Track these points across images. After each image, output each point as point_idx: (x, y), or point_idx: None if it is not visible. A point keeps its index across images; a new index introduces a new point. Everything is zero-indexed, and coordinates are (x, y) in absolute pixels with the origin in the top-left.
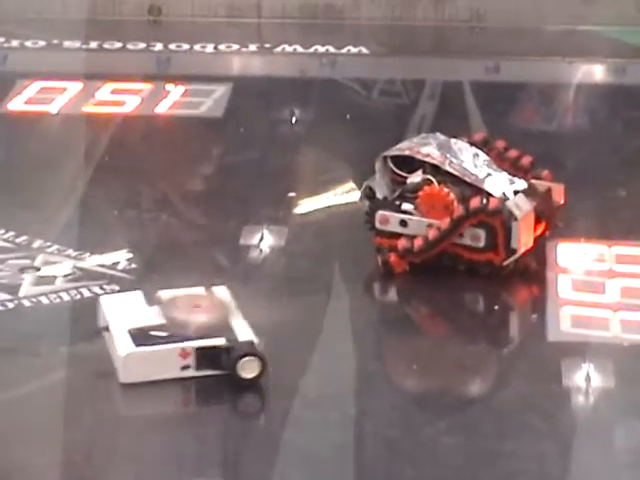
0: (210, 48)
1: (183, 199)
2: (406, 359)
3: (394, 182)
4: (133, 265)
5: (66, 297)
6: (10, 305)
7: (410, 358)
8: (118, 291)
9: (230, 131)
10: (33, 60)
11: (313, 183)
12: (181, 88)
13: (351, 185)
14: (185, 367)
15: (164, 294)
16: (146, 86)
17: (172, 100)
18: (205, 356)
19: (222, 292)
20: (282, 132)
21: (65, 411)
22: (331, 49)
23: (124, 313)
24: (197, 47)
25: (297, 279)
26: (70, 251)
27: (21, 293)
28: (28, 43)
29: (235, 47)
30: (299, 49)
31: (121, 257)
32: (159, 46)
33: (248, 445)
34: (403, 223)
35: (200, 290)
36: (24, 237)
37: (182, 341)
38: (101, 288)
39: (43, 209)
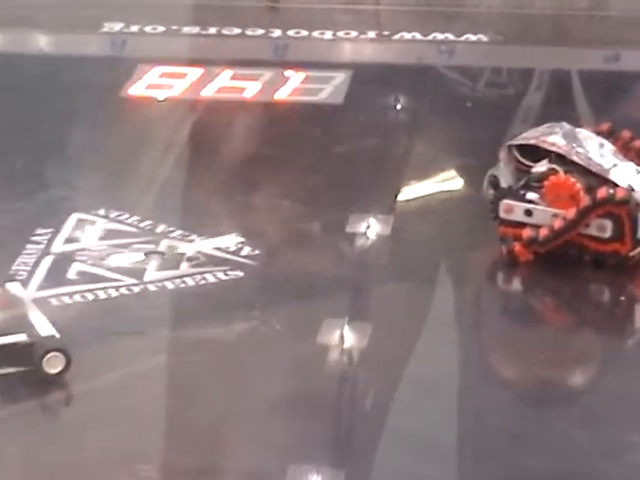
0: (329, 35)
1: (303, 186)
2: (530, 350)
3: (519, 171)
4: (256, 251)
5: (190, 282)
6: (136, 289)
7: (534, 349)
8: (242, 277)
9: (350, 118)
10: (152, 46)
11: (432, 171)
12: (301, 75)
13: (468, 174)
14: None
15: None
16: (265, 72)
17: (292, 87)
18: (7, 353)
19: (16, 288)
20: (400, 119)
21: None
22: (450, 37)
23: None
24: (315, 34)
25: (419, 268)
26: (194, 236)
27: (146, 278)
28: (147, 29)
29: (353, 34)
30: (417, 36)
31: (244, 243)
32: (277, 32)
33: None
34: (528, 212)
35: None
36: (148, 222)
37: None
38: (225, 274)
39: (166, 194)
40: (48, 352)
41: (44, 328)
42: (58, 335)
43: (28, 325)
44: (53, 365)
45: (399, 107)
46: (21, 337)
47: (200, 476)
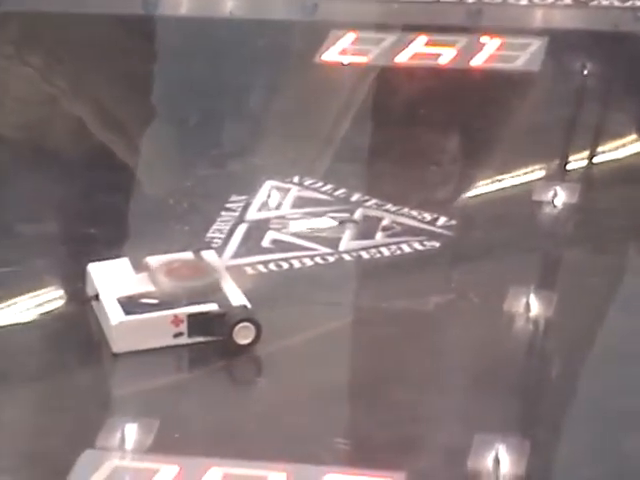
0: (524, 0)
1: (494, 155)
2: None
3: None
4: (452, 222)
5: (386, 252)
6: (330, 259)
7: None
8: (438, 248)
9: (545, 86)
10: (344, 10)
11: (624, 140)
12: (497, 41)
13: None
14: (178, 334)
15: (152, 260)
16: (460, 38)
17: (487, 53)
18: (197, 323)
19: (211, 256)
20: (594, 87)
21: None
22: None
23: (112, 281)
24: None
25: (606, 238)
26: (389, 205)
27: (341, 247)
28: None
29: (549, 0)
30: (615, 2)
31: (440, 213)
32: None
33: None
34: None
35: (188, 255)
36: (342, 190)
37: (173, 308)
38: (421, 244)
39: (361, 163)
40: (239, 323)
41: (236, 298)
42: (249, 305)
43: (221, 294)
44: (244, 336)
45: (594, 75)
46: (212, 306)
47: (398, 450)
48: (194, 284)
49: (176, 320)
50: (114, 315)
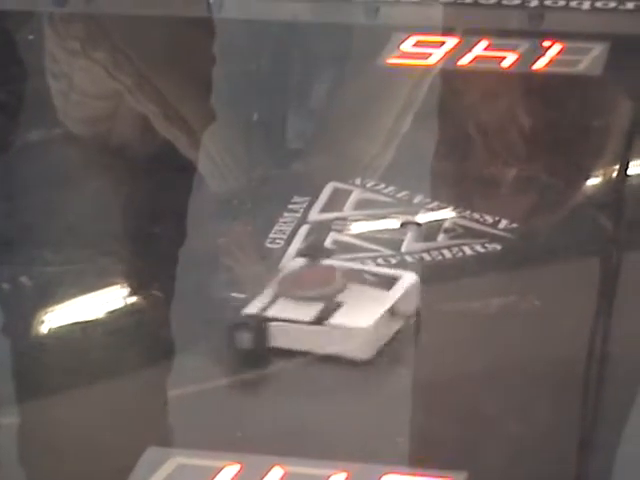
0: (586, 5)
1: (558, 159)
2: None
3: None
4: (514, 225)
5: (448, 254)
6: (393, 260)
7: None
8: (500, 251)
9: (608, 90)
10: (406, 14)
11: None
12: (558, 45)
13: None
14: None
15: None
16: (521, 42)
17: (549, 57)
18: None
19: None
20: None
21: None
22: None
23: None
24: (573, 3)
25: None
26: (450, 208)
27: (403, 248)
28: None
29: (612, 4)
30: None
31: (502, 216)
32: (534, 2)
33: None
34: None
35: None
36: (404, 192)
37: None
38: (483, 247)
39: (422, 164)
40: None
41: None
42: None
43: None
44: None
45: None
46: None
47: (460, 449)
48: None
49: None
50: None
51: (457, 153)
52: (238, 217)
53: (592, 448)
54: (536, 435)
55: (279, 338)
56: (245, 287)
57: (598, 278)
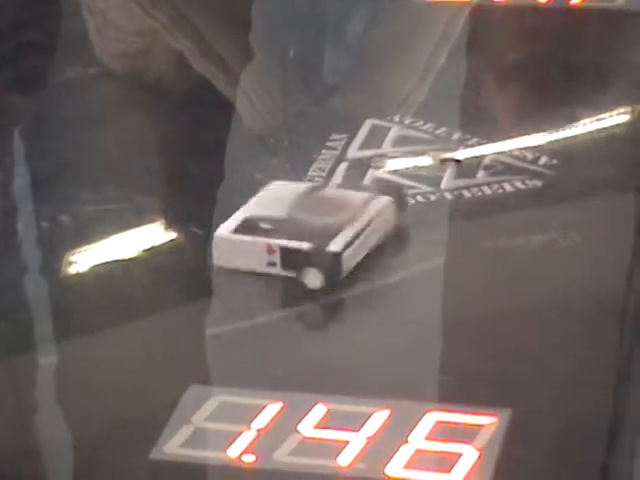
0: None
1: (595, 98)
2: None
3: None
4: (554, 161)
5: (488, 191)
6: (432, 197)
7: None
8: (540, 187)
9: None
10: None
11: None
12: None
13: None
14: (271, 264)
15: (326, 192)
16: None
17: None
18: (290, 257)
19: (385, 202)
20: None
21: None
22: None
23: (270, 201)
24: None
25: None
26: (490, 144)
27: (442, 185)
28: None
29: None
30: None
31: (542, 152)
32: None
33: None
34: None
35: (364, 195)
36: (443, 129)
37: (273, 238)
38: (523, 183)
39: (462, 103)
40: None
41: (339, 244)
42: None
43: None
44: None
45: None
46: (305, 245)
47: (503, 387)
48: (323, 221)
49: (270, 249)
50: (221, 230)
51: (495, 90)
52: (276, 154)
53: (631, 381)
54: (576, 370)
55: None
56: None
57: (637, 213)
